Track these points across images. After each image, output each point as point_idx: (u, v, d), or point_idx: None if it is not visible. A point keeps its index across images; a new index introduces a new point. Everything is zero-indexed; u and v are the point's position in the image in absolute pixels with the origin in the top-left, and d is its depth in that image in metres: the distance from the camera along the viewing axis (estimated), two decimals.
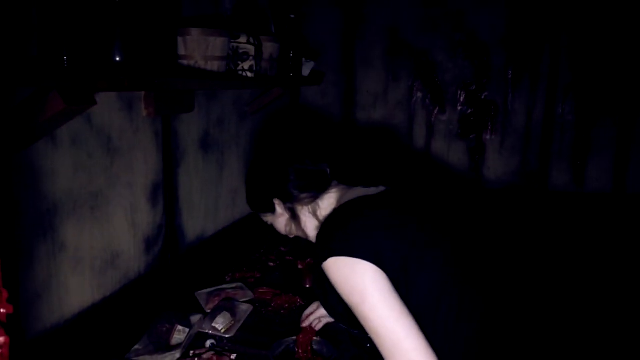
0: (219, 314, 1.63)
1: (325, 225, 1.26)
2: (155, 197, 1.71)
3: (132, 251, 1.61)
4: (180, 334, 1.52)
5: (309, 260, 2.27)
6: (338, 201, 1.35)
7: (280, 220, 1.47)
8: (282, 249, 2.43)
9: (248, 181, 1.53)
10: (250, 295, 1.90)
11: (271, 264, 2.25)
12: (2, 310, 0.46)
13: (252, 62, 1.71)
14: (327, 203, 1.38)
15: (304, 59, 2.27)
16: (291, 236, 1.51)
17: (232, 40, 1.65)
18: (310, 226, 1.40)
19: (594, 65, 2.53)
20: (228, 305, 1.73)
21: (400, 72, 2.83)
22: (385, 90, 2.86)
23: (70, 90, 1.03)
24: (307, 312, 1.67)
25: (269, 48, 1.87)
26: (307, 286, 2.05)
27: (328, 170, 1.41)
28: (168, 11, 1.50)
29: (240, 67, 1.69)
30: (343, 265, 1.12)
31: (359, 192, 1.34)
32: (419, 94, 2.82)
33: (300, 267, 2.23)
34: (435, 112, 2.81)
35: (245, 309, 1.75)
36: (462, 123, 2.69)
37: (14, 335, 0.96)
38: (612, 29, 2.48)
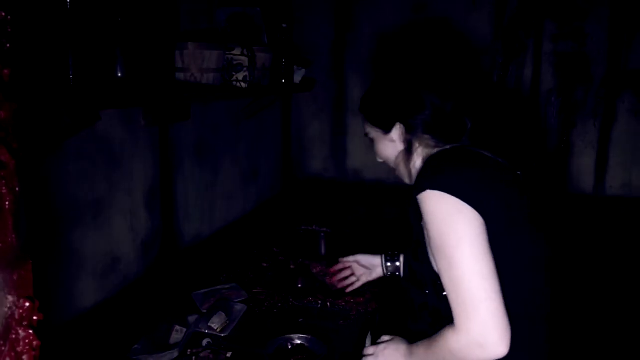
0: (215, 314, 1.71)
1: (436, 160, 1.19)
2: (153, 202, 1.79)
3: (131, 255, 1.69)
4: (178, 334, 1.60)
5: (300, 260, 2.36)
6: None
7: (388, 145, 1.32)
8: (275, 249, 2.51)
9: (380, 86, 1.34)
10: (244, 295, 1.97)
11: (264, 264, 2.33)
12: (34, 318, 0.53)
13: (246, 73, 1.79)
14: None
15: (295, 67, 2.35)
16: (390, 164, 1.38)
17: (227, 53, 1.73)
18: (417, 168, 1.28)
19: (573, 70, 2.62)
20: (223, 305, 1.81)
21: None
22: None
23: (76, 110, 1.11)
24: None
25: (261, 58, 1.94)
26: (300, 286, 2.13)
27: (469, 125, 1.27)
28: (166, 27, 1.58)
29: (234, 78, 1.77)
30: (450, 203, 1.05)
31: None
32: None
33: (292, 267, 2.31)
34: None
35: (239, 308, 1.83)
36: None
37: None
38: None
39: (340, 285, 1.88)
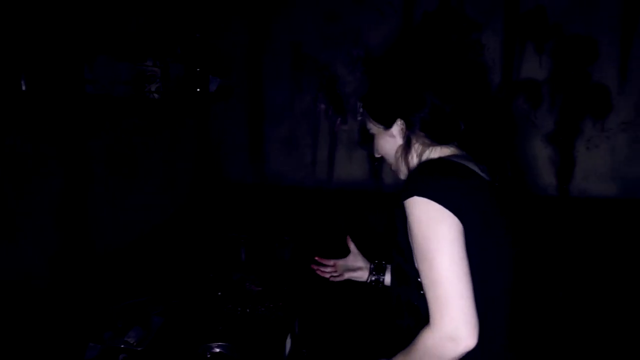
0: (131, 328, 1.69)
1: (428, 167, 1.27)
2: (64, 216, 1.74)
3: (41, 269, 1.63)
4: (92, 350, 1.57)
5: (219, 267, 2.37)
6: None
7: (389, 140, 1.40)
8: (194, 257, 2.50)
9: (383, 84, 1.41)
10: (161, 307, 1.96)
11: (183, 273, 2.32)
12: None
13: (159, 84, 1.78)
14: (437, 155, 1.35)
15: (211, 76, 2.36)
16: (388, 159, 1.44)
17: (139, 64, 1.71)
18: (412, 164, 1.37)
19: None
20: (140, 319, 1.79)
21: (304, 84, 2.99)
22: (291, 102, 3.01)
23: None
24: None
25: (175, 68, 1.94)
26: (219, 294, 2.14)
27: (462, 127, 1.35)
28: (74, 38, 1.54)
29: (147, 89, 1.76)
30: (434, 209, 1.14)
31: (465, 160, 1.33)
32: (322, 106, 3.00)
33: (211, 275, 2.31)
34: (338, 122, 3.00)
35: (157, 320, 1.82)
36: (363, 132, 2.91)
37: None
38: None
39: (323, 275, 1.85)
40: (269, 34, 2.96)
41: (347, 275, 1.76)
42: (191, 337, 1.75)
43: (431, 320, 1.14)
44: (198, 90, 2.25)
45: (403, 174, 1.40)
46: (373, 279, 1.72)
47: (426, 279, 1.16)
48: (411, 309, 1.31)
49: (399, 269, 1.34)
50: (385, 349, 1.30)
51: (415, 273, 1.22)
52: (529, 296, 2.94)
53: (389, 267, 1.75)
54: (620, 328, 2.87)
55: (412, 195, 1.17)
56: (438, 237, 1.14)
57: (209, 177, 3.11)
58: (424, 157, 1.35)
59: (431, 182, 1.20)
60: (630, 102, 2.74)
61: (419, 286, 1.22)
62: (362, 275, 1.75)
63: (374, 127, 1.42)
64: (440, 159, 1.32)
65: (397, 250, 1.33)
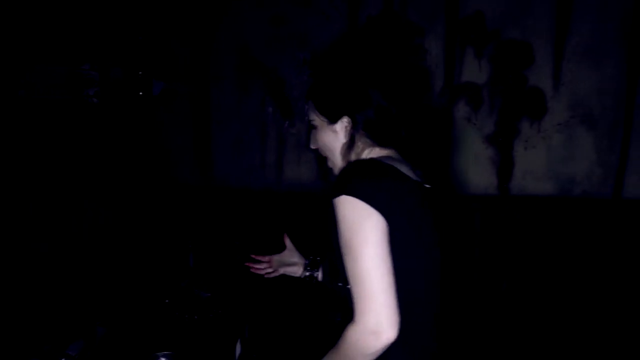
0: (73, 340, 1.64)
1: (357, 166, 1.29)
2: None
3: None
4: None
5: (167, 274, 2.33)
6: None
7: (330, 135, 1.41)
8: (140, 264, 2.45)
9: (333, 79, 1.41)
10: (104, 317, 1.91)
11: (128, 281, 2.27)
12: None
13: (98, 88, 1.73)
14: (374, 156, 1.38)
15: (154, 79, 2.32)
16: (324, 152, 1.45)
17: (77, 68, 1.66)
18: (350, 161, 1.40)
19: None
20: (82, 329, 1.74)
21: (251, 87, 2.97)
22: (238, 105, 3.00)
23: None
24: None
25: (116, 72, 1.89)
26: (167, 301, 2.10)
27: (403, 134, 1.39)
28: (6, 41, 1.48)
29: (85, 94, 1.70)
30: (360, 207, 1.18)
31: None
32: (270, 109, 3.00)
33: (158, 282, 2.27)
34: (286, 125, 3.01)
35: (99, 332, 1.77)
36: (310, 135, 2.92)
37: None
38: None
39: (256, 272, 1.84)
40: (215, 37, 2.93)
41: (282, 270, 1.78)
42: (136, 347, 1.71)
43: (355, 314, 1.18)
44: (141, 93, 2.21)
45: (338, 170, 1.42)
46: (307, 274, 1.75)
47: (351, 274, 1.19)
48: (342, 305, 1.35)
49: (331, 265, 1.36)
50: (324, 346, 1.33)
51: (344, 269, 1.25)
52: (473, 290, 3.05)
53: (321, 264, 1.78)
54: (560, 318, 3.02)
55: (340, 194, 1.21)
56: (363, 235, 1.18)
57: (155, 181, 3.04)
58: (362, 156, 1.39)
59: (359, 181, 1.23)
60: (563, 104, 2.88)
61: (347, 282, 1.24)
62: (297, 270, 1.77)
63: (317, 119, 1.42)
64: (371, 159, 1.35)
65: (329, 247, 1.35)
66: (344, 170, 1.32)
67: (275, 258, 1.79)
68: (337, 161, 1.42)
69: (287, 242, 1.79)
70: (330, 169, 1.48)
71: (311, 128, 1.46)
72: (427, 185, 1.39)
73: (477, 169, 2.98)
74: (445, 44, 2.89)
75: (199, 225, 2.94)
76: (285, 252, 1.79)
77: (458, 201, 2.94)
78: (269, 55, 2.94)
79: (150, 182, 3.02)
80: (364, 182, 1.23)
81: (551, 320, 3.03)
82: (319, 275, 1.74)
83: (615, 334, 2.98)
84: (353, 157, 1.39)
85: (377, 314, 1.15)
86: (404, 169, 1.34)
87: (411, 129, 1.41)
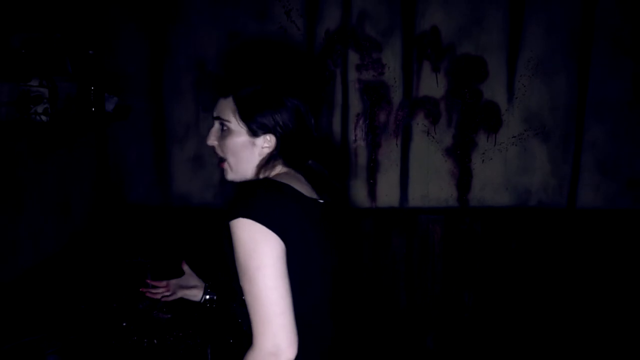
0: None
1: (252, 187, 1.26)
2: None
3: None
4: None
5: (124, 296, 2.24)
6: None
7: (247, 146, 1.33)
8: (95, 287, 2.35)
9: (263, 95, 1.33)
10: (57, 344, 1.81)
11: (82, 306, 2.17)
12: None
13: (47, 105, 1.66)
14: (274, 174, 1.37)
15: (107, 95, 2.24)
16: (228, 157, 1.36)
17: (22, 84, 1.59)
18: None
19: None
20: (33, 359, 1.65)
21: (210, 103, 2.92)
22: (197, 121, 2.94)
23: None
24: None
25: (65, 88, 1.82)
26: (124, 324, 2.02)
27: (310, 163, 1.41)
28: None
29: (32, 111, 1.63)
30: (256, 230, 1.17)
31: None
32: None
33: (114, 305, 2.19)
34: None
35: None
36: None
37: None
38: None
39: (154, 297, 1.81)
40: (170, 51, 2.87)
41: (180, 294, 1.76)
42: None
43: (254, 338, 1.18)
44: (93, 109, 2.13)
45: (241, 180, 1.39)
46: (207, 297, 1.73)
47: (249, 297, 1.18)
48: (237, 327, 1.35)
49: (228, 287, 1.39)
50: None
51: (241, 291, 1.23)
52: (436, 304, 3.06)
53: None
54: (521, 327, 3.07)
55: (236, 216, 1.18)
56: (260, 257, 1.17)
57: (110, 200, 2.94)
58: (267, 174, 1.37)
59: (255, 202, 1.21)
60: (518, 117, 2.96)
61: (243, 304, 1.23)
62: (197, 294, 1.75)
63: (234, 125, 1.34)
64: (266, 179, 1.34)
65: (224, 268, 1.32)
66: (239, 190, 1.28)
67: (173, 282, 1.78)
68: (245, 173, 1.37)
69: (186, 267, 1.80)
70: (223, 174, 1.42)
71: (219, 127, 1.38)
72: (321, 201, 1.39)
73: (437, 182, 3.01)
74: (403, 59, 2.93)
75: (157, 245, 2.85)
76: (184, 277, 1.79)
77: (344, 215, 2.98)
78: (226, 70, 2.90)
79: (106, 201, 2.91)
80: (259, 203, 1.21)
81: (514, 329, 3.07)
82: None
83: (574, 342, 3.06)
84: (263, 173, 1.36)
85: (275, 337, 1.16)
86: (299, 186, 1.33)
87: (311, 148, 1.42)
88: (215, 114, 1.38)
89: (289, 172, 1.38)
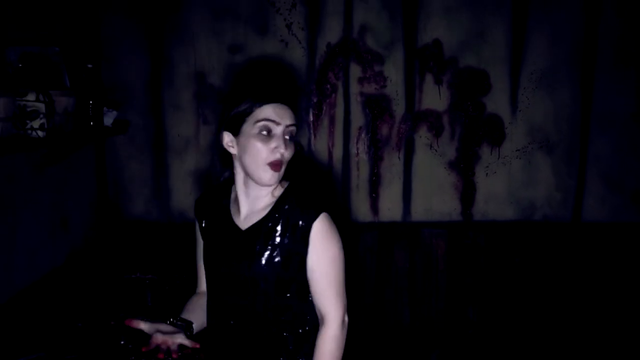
0: None
1: (303, 188, 1.46)
2: None
3: None
4: None
5: (122, 314, 2.19)
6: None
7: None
8: (92, 305, 2.30)
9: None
10: None
11: (79, 324, 2.12)
12: None
13: (43, 120, 1.62)
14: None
15: (105, 109, 2.21)
16: (283, 165, 1.42)
17: (18, 99, 1.55)
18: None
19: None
20: None
21: (210, 115, 2.89)
22: (197, 134, 2.91)
23: None
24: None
25: (62, 102, 1.79)
26: (122, 343, 1.98)
27: None
28: None
29: (29, 126, 1.59)
30: (332, 221, 1.42)
31: None
32: None
33: (112, 323, 2.14)
34: None
35: None
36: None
37: None
38: None
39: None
40: (170, 64, 2.85)
41: (178, 341, 1.46)
42: None
43: (329, 315, 1.39)
44: (91, 124, 2.10)
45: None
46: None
47: (330, 279, 1.40)
48: (299, 320, 1.45)
49: (279, 282, 1.41)
50: None
51: (297, 277, 1.42)
52: (441, 318, 3.01)
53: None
54: (528, 343, 3.01)
55: (320, 212, 1.40)
56: (339, 243, 1.43)
57: (109, 215, 2.90)
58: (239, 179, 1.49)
59: (321, 201, 1.43)
60: (522, 130, 2.93)
61: (303, 297, 1.44)
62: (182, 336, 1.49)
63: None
64: (297, 182, 1.51)
65: (282, 266, 1.41)
66: (296, 191, 1.46)
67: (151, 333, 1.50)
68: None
69: (142, 325, 1.52)
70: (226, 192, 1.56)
71: (290, 136, 1.43)
72: None
73: (440, 195, 2.97)
74: (405, 72, 2.90)
75: (156, 260, 2.81)
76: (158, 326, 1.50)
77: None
78: (227, 82, 2.88)
79: (105, 216, 2.87)
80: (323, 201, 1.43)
81: (519, 345, 3.02)
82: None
83: (582, 356, 3.00)
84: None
85: (345, 307, 1.42)
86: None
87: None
88: (289, 122, 1.41)
89: None
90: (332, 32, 2.86)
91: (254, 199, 1.45)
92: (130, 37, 2.81)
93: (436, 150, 2.94)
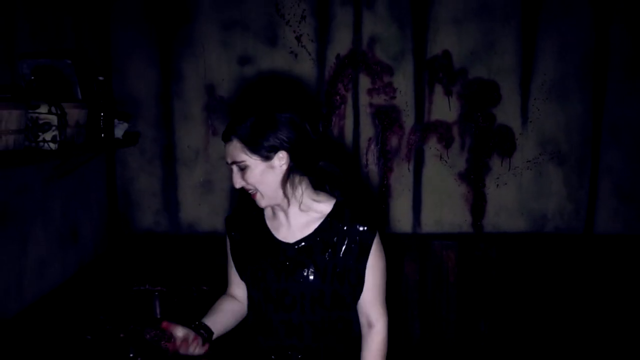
0: None
1: (361, 204, 1.50)
2: None
3: None
4: None
5: (131, 326, 2.19)
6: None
7: (268, 172, 1.40)
8: (101, 317, 2.29)
9: (263, 119, 1.40)
10: None
11: (88, 336, 2.11)
12: None
13: (55, 132, 1.63)
14: (307, 186, 1.48)
15: (116, 121, 2.22)
16: (263, 190, 1.41)
17: (30, 111, 1.56)
18: (297, 195, 1.46)
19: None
20: None
21: (220, 127, 2.90)
22: (206, 145, 2.91)
23: None
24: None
25: (74, 115, 1.80)
26: (131, 355, 1.97)
27: (321, 164, 1.50)
28: None
29: (41, 139, 1.60)
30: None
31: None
32: None
33: (121, 335, 2.13)
34: None
35: None
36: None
37: None
38: None
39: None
40: (180, 76, 2.86)
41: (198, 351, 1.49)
42: None
43: (377, 322, 1.50)
44: (102, 136, 2.11)
45: (283, 201, 1.45)
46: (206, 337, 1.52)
47: (380, 289, 1.50)
48: (346, 326, 1.50)
49: (334, 295, 1.45)
50: None
51: (353, 291, 1.48)
52: (451, 331, 2.97)
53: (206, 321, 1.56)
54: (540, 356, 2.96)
55: (377, 229, 1.48)
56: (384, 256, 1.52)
57: (118, 227, 2.90)
58: (301, 187, 1.46)
59: (375, 216, 1.53)
60: (532, 141, 2.91)
61: (354, 304, 1.50)
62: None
63: (249, 159, 1.40)
64: (347, 200, 1.52)
65: (337, 281, 1.45)
66: (349, 207, 1.48)
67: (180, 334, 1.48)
68: (275, 195, 1.44)
69: (174, 329, 1.48)
70: (254, 202, 1.47)
71: (237, 169, 1.42)
72: None
73: (451, 207, 2.95)
74: (414, 83, 2.90)
75: (165, 272, 2.80)
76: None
77: None
78: (237, 94, 2.88)
79: (115, 228, 2.88)
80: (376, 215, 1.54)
81: (532, 358, 2.97)
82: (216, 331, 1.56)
83: None
84: (290, 189, 1.44)
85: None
86: None
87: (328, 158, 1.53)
88: (229, 161, 1.43)
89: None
90: (341, 44, 2.86)
91: (295, 214, 1.48)
92: (140, 49, 2.84)
93: (446, 162, 2.93)
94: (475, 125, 2.91)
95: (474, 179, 2.93)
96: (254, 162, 1.39)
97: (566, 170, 2.92)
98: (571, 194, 2.93)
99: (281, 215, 1.49)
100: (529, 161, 2.92)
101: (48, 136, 1.61)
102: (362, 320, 1.51)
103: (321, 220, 1.47)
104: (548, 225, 2.96)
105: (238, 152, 1.39)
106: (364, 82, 2.89)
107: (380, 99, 2.90)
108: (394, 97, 2.90)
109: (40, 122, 1.59)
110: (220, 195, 2.94)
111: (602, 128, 2.90)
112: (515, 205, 2.95)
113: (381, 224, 1.48)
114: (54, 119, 1.62)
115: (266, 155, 1.39)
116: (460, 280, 2.94)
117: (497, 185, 2.94)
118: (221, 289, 1.72)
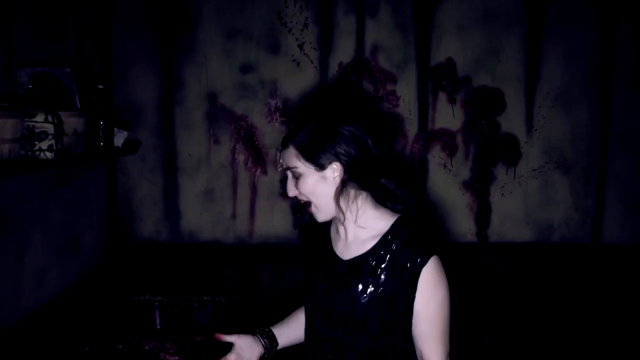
0: None
1: (419, 225, 1.39)
2: None
3: None
4: None
5: (130, 337, 2.16)
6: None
7: (321, 183, 1.37)
8: (100, 328, 2.27)
9: (321, 128, 1.37)
10: None
11: (86, 348, 2.09)
12: None
13: (52, 141, 1.61)
14: (365, 201, 1.42)
15: (116, 129, 2.20)
16: (312, 199, 1.39)
17: (27, 120, 1.54)
18: (352, 209, 1.40)
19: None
20: None
21: (221, 135, 2.88)
22: (208, 154, 2.89)
23: None
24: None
25: (72, 123, 1.78)
26: None
27: (382, 181, 1.44)
28: None
29: (37, 148, 1.58)
30: (441, 263, 1.35)
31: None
32: (241, 157, 2.90)
33: (120, 347, 2.10)
34: (257, 173, 2.91)
35: None
36: (284, 183, 2.83)
37: None
38: None
39: None
40: (181, 84, 2.85)
41: None
42: None
43: (437, 356, 1.34)
44: (102, 144, 2.09)
45: (340, 214, 1.40)
46: (267, 348, 1.55)
47: (439, 324, 1.35)
48: (395, 357, 1.39)
49: (382, 322, 1.36)
50: None
51: (402, 320, 1.35)
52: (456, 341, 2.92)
53: (275, 329, 1.60)
54: None
55: (432, 254, 1.33)
56: (447, 286, 1.36)
57: (119, 236, 2.88)
58: (358, 201, 1.39)
59: (434, 239, 1.37)
60: (538, 149, 2.87)
61: (407, 335, 1.37)
62: (260, 351, 1.54)
63: (302, 167, 1.38)
64: (407, 216, 1.42)
65: (384, 307, 1.35)
66: (406, 226, 1.38)
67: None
68: (329, 208, 1.40)
69: (228, 338, 1.55)
70: (311, 215, 1.44)
71: (291, 176, 1.41)
72: None
73: (455, 216, 2.92)
74: (418, 91, 2.87)
75: (166, 282, 2.77)
76: (236, 348, 1.53)
77: None
78: (239, 102, 2.87)
79: (115, 237, 2.85)
80: (436, 239, 1.37)
81: None
82: (280, 341, 1.58)
83: None
84: (344, 203, 1.39)
85: (447, 355, 1.38)
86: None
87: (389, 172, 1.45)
88: (283, 167, 1.42)
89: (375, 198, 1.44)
90: (344, 52, 2.84)
91: (351, 230, 1.43)
92: (142, 56, 2.82)
93: (450, 170, 2.89)
94: (480, 133, 2.87)
95: (478, 187, 2.89)
96: (307, 170, 1.37)
97: (572, 179, 2.88)
98: (577, 204, 2.89)
99: (341, 229, 1.44)
100: (535, 170, 2.88)
101: (44, 145, 1.59)
102: (417, 355, 1.39)
103: (377, 240, 1.39)
104: (554, 235, 2.91)
105: (292, 158, 1.38)
106: (367, 89, 2.86)
107: (383, 107, 2.87)
108: (397, 105, 2.87)
109: (37, 130, 1.57)
110: (221, 204, 2.91)
111: (609, 137, 2.86)
112: (521, 215, 2.90)
113: (441, 249, 1.35)
114: (50, 128, 1.60)
115: (321, 164, 1.36)
116: (465, 290, 2.90)
117: (502, 194, 2.90)
118: (221, 299, 1.70)
